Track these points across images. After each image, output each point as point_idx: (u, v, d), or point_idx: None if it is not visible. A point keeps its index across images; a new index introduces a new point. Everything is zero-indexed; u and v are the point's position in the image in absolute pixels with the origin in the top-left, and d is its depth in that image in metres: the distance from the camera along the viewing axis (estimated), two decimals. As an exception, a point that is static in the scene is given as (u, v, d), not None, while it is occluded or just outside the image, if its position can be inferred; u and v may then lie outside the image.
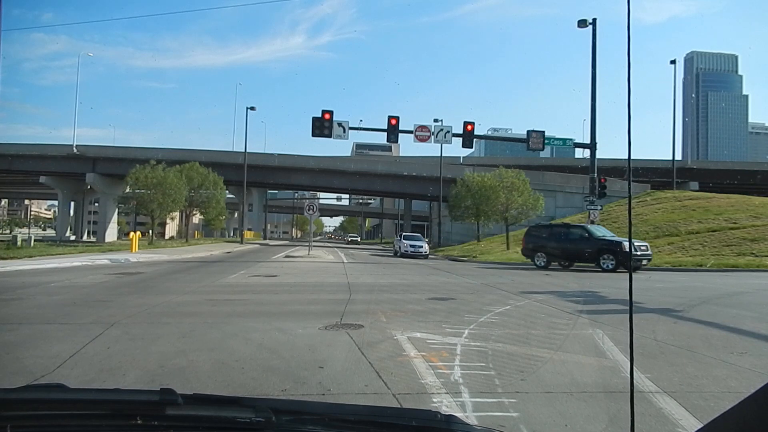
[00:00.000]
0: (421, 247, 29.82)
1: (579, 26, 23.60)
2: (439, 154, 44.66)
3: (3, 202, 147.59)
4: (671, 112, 53.72)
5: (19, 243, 26.57)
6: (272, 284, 12.26)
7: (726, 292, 11.27)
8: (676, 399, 3.65)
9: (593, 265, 18.48)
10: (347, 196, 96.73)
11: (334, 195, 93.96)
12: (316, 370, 4.39)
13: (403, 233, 35.00)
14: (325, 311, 7.70)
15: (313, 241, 42.25)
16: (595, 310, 8.34)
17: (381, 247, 56.47)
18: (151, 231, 42.40)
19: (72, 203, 69.20)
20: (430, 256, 32.64)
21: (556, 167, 52.88)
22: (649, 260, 18.07)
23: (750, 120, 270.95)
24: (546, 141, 25.22)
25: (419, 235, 35.09)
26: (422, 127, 24.72)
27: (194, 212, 47.05)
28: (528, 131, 25.01)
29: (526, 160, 54.75)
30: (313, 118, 23.35)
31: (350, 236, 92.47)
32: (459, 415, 2.61)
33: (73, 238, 65.07)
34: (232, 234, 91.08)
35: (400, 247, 30.61)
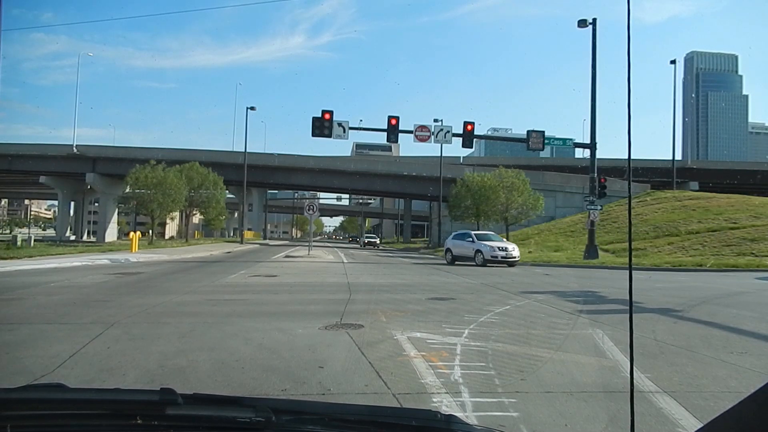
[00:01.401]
0: (513, 249, 20.93)
1: (579, 26, 23.60)
2: (439, 154, 44.72)
3: (3, 202, 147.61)
4: (671, 112, 53.78)
5: (19, 243, 26.61)
6: (272, 284, 12.25)
7: (726, 292, 11.28)
8: (676, 399, 3.65)
9: None
10: (347, 196, 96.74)
11: (334, 195, 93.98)
12: (316, 370, 4.39)
13: (473, 231, 23.88)
14: (325, 311, 7.70)
15: (313, 241, 42.25)
16: (595, 310, 8.34)
17: (382, 249, 56.33)
18: (151, 231, 42.41)
19: (72, 203, 69.25)
20: (429, 256, 32.48)
21: (556, 167, 52.91)
22: None
23: (750, 120, 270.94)
24: (546, 141, 25.20)
25: (493, 232, 25.00)
26: (422, 127, 24.71)
27: (194, 212, 47.07)
28: (528, 131, 25.00)
29: (526, 160, 54.77)
30: (313, 118, 23.34)
31: (367, 237, 58.53)
32: (459, 414, 2.61)
33: (73, 238, 65.11)
34: (232, 234, 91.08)
35: (478, 253, 20.81)
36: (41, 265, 15.82)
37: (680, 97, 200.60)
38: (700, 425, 0.93)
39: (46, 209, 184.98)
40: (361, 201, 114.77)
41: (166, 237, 68.84)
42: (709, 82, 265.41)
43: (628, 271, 1.38)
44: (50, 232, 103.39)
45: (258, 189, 70.02)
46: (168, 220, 50.02)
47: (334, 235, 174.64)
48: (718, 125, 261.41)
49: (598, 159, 25.26)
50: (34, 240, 33.75)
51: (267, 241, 59.89)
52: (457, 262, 22.25)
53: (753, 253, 20.86)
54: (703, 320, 7.34)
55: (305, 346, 5.39)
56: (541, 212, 34.73)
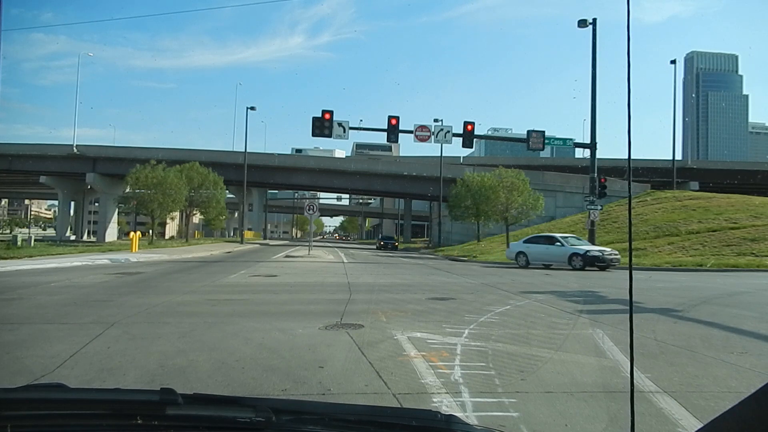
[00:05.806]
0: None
1: (579, 26, 23.60)
2: (439, 154, 44.71)
3: (3, 202, 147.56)
4: (671, 112, 53.81)
5: (19, 243, 26.60)
6: (272, 284, 12.25)
7: (726, 292, 11.27)
8: (677, 399, 3.65)
9: None
10: (347, 196, 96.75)
11: (334, 195, 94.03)
12: (317, 370, 4.39)
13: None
14: (326, 311, 7.70)
15: (314, 240, 42.24)
16: (595, 310, 8.34)
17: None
18: (151, 231, 42.42)
19: (72, 203, 69.26)
20: (429, 256, 32.50)
21: (556, 167, 52.86)
22: None
23: (750, 120, 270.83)
24: (546, 141, 25.20)
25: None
26: (422, 127, 24.71)
27: (194, 212, 47.07)
28: (528, 131, 25.00)
29: (526, 160, 54.73)
30: (313, 118, 23.35)
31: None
32: (459, 415, 2.61)
33: (73, 238, 65.14)
34: (232, 234, 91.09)
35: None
36: (41, 265, 15.82)
37: (680, 97, 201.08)
38: (700, 425, 0.93)
39: (46, 209, 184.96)
40: (361, 201, 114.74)
41: (166, 237, 68.81)
42: (709, 82, 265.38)
43: (628, 271, 1.38)
44: (50, 232, 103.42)
45: (258, 189, 70.00)
46: (168, 220, 50.03)
47: (337, 236, 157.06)
48: (718, 125, 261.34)
49: (598, 159, 25.26)
50: (35, 240, 33.75)
51: (267, 241, 59.89)
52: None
53: (753, 253, 20.85)
54: (704, 320, 7.33)
55: (305, 346, 5.38)
56: (541, 212, 34.71)
